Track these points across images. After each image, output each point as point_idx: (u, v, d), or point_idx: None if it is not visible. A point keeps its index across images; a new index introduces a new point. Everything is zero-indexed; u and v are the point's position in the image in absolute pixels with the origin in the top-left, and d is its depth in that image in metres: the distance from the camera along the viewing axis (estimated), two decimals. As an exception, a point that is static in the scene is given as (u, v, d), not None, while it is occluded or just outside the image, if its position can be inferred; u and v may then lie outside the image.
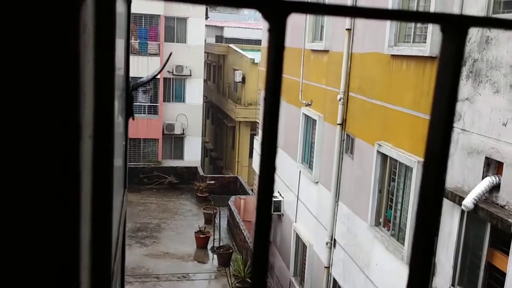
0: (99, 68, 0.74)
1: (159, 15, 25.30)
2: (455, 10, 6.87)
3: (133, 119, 2.02)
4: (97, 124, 0.75)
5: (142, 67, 24.51)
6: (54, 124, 0.52)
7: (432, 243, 0.45)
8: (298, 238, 13.31)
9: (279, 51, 0.37)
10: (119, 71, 1.64)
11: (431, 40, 7.43)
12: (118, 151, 1.56)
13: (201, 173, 24.85)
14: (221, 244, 17.22)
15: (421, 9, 8.09)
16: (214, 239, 17.41)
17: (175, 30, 26.24)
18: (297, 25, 13.46)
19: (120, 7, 1.39)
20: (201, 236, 17.57)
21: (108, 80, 0.83)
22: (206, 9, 27.43)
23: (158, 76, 25.09)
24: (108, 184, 0.87)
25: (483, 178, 6.28)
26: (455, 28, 0.43)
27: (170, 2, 0.35)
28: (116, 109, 1.52)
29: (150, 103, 26.20)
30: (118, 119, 1.57)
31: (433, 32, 7.40)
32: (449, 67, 0.43)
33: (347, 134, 10.54)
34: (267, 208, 0.41)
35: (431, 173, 0.45)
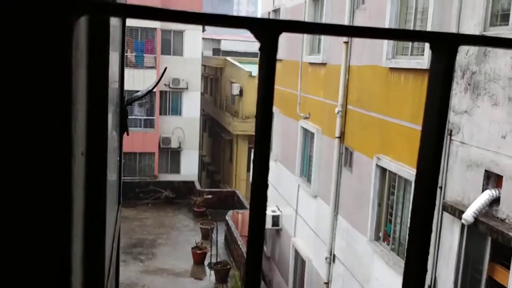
0: (93, 84, 0.75)
1: (156, 28, 25.39)
2: (453, 23, 6.87)
3: (127, 134, 1.97)
4: (90, 141, 0.75)
5: (138, 80, 24.51)
6: (46, 141, 0.52)
7: (425, 257, 0.46)
8: (297, 253, 13.19)
9: (270, 70, 0.36)
10: (114, 85, 1.60)
11: (429, 52, 7.41)
12: (112, 167, 1.52)
13: (198, 187, 24.74)
14: (218, 260, 17.05)
15: (418, 22, 8.10)
16: (211, 255, 17.25)
17: (171, 43, 26.33)
18: (295, 38, 13.49)
19: (114, 20, 1.37)
20: (198, 251, 17.41)
21: (101, 97, 0.84)
22: (203, 23, 27.55)
23: (155, 90, 25.09)
24: (102, 202, 0.88)
25: (483, 191, 6.24)
26: (444, 46, 0.44)
27: (163, 22, 0.31)
28: (110, 124, 1.48)
29: (146, 116, 26.16)
30: (112, 134, 1.52)
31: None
32: (439, 84, 0.44)
33: (345, 147, 10.49)
34: (261, 222, 0.42)
35: (422, 190, 0.46)
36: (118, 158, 1.92)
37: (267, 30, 0.34)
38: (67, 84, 0.51)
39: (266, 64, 0.35)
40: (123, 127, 1.93)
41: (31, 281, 0.55)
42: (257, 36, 0.34)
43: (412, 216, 0.47)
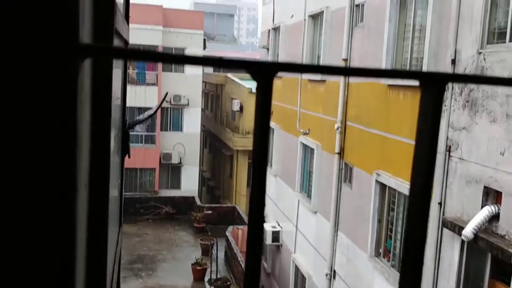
0: (96, 119, 0.78)
1: (157, 46, 25.60)
2: (450, 41, 6.96)
3: (129, 157, 2.00)
4: (93, 174, 0.77)
5: (140, 96, 24.64)
6: (51, 176, 0.53)
7: (420, 271, 0.48)
8: (297, 269, 13.13)
9: (265, 108, 0.39)
10: (116, 111, 1.64)
11: (427, 70, 7.50)
12: (113, 190, 1.55)
13: (198, 203, 24.68)
14: (218, 276, 16.95)
15: (416, 40, 8.20)
16: (211, 271, 17.15)
17: (173, 60, 26.49)
18: (295, 55, 13.62)
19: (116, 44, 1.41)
20: (198, 268, 17.31)
21: (104, 130, 0.86)
22: (204, 39, 27.80)
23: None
24: (103, 230, 0.88)
25: (482, 208, 6.25)
26: (433, 84, 0.46)
27: (164, 63, 0.35)
28: (112, 149, 1.52)
29: (147, 132, 26.23)
30: (114, 158, 1.56)
31: (429, 62, 7.48)
32: (428, 121, 0.46)
33: (345, 163, 10.52)
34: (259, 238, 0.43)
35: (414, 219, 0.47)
36: (120, 181, 1.95)
37: (263, 71, 0.37)
38: (72, 123, 0.53)
39: (261, 103, 0.38)
40: (124, 150, 1.96)
41: None
42: (253, 77, 0.38)
43: (406, 233, 0.49)
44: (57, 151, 0.53)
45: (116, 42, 1.27)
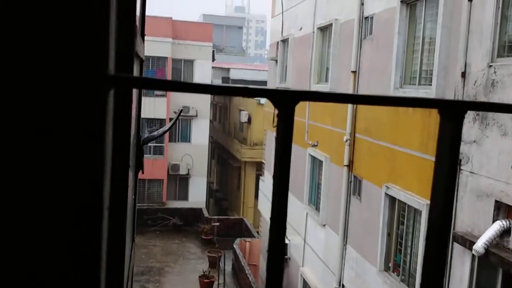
0: (117, 143, 0.78)
1: (166, 57, 25.78)
2: (460, 54, 6.93)
3: (142, 172, 2.00)
4: (113, 196, 0.78)
5: (149, 108, 24.76)
6: (81, 202, 0.55)
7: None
8: (305, 283, 13.01)
9: (287, 136, 0.40)
10: (132, 129, 1.65)
11: (437, 83, 7.47)
12: (128, 206, 1.55)
13: (206, 214, 24.65)
14: (225, 288, 16.84)
15: (426, 53, 8.17)
16: (218, 284, 17.05)
17: (182, 71, 26.69)
18: (303, 66, 13.64)
19: (136, 69, 1.43)
20: (205, 280, 17.23)
21: (124, 154, 0.87)
22: (213, 51, 27.97)
23: (165, 117, 25.31)
24: (121, 254, 0.89)
25: (493, 222, 6.17)
26: (452, 113, 0.46)
27: (187, 92, 0.34)
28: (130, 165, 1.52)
29: (156, 143, 26.32)
30: (130, 174, 1.56)
31: (439, 75, 7.45)
32: (447, 148, 0.46)
33: (354, 176, 10.46)
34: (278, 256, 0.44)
35: (433, 249, 0.47)
36: (133, 197, 1.96)
37: (285, 99, 0.37)
38: (100, 150, 0.55)
39: (283, 131, 0.37)
40: (138, 166, 1.96)
41: None
42: (275, 105, 0.37)
43: (425, 255, 0.48)
44: (87, 177, 0.54)
45: (135, 64, 1.28)
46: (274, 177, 0.39)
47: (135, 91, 1.43)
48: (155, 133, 2.89)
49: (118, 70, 0.80)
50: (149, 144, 26.09)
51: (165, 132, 2.82)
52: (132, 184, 1.84)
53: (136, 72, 1.67)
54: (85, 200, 0.55)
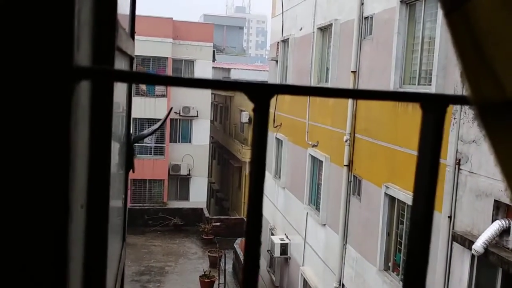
0: (96, 137, 0.77)
1: (167, 58, 25.80)
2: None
3: (133, 171, 2.01)
4: (92, 193, 0.76)
5: (149, 108, 24.79)
6: (42, 198, 0.53)
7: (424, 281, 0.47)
8: (305, 282, 13.03)
9: (263, 129, 0.40)
10: (121, 126, 1.65)
11: (436, 82, 7.48)
12: (116, 206, 1.55)
13: (207, 214, 24.66)
14: (227, 288, 16.87)
15: (425, 52, 8.19)
16: (219, 284, 17.07)
17: (182, 72, 26.70)
18: (303, 67, 13.66)
19: (121, 67, 1.42)
20: (206, 280, 17.24)
21: (104, 147, 0.85)
22: (213, 51, 27.98)
23: (165, 117, 25.26)
24: (102, 253, 0.87)
25: (492, 222, 6.18)
26: (434, 106, 0.46)
27: (158, 85, 0.35)
28: (116, 164, 1.51)
29: (156, 143, 26.35)
30: (118, 173, 1.56)
31: (438, 74, 7.46)
32: (429, 142, 0.46)
33: (354, 176, 10.48)
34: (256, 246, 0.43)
35: (416, 245, 0.47)
36: (124, 196, 1.95)
37: (261, 93, 0.38)
38: (64, 144, 0.53)
39: (258, 124, 0.38)
40: (129, 165, 1.95)
41: None
42: (251, 98, 0.38)
43: (409, 243, 0.48)
44: (49, 172, 0.53)
45: (119, 60, 1.27)
46: (250, 172, 0.40)
47: (120, 87, 1.43)
48: (145, 131, 2.89)
49: (98, 65, 0.80)
50: (150, 145, 26.12)
51: (155, 131, 2.82)
52: (122, 183, 1.84)
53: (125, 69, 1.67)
54: (48, 198, 0.53)
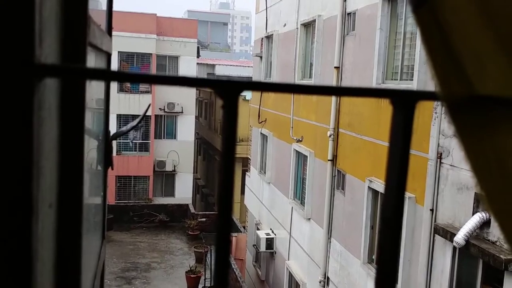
0: (66, 136, 0.75)
1: (151, 54, 25.63)
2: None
3: (112, 168, 2.01)
4: (62, 191, 0.75)
5: (134, 104, 24.62)
6: (4, 199, 0.52)
7: (395, 268, 0.47)
8: (291, 276, 13.12)
9: (232, 125, 0.40)
10: (98, 123, 1.64)
11: (418, 77, 7.57)
12: (94, 203, 1.54)
13: (192, 210, 24.62)
14: (212, 284, 16.89)
15: (407, 48, 8.28)
16: (205, 279, 17.09)
17: (166, 68, 26.54)
18: (287, 62, 13.69)
19: (97, 65, 1.39)
20: (192, 275, 17.25)
21: (76, 145, 0.83)
22: (198, 47, 27.86)
23: (150, 113, 25.20)
24: (75, 252, 0.86)
25: (473, 214, 6.29)
26: (404, 103, 0.46)
27: (125, 82, 0.37)
28: (95, 161, 1.51)
29: (141, 140, 26.19)
30: (97, 170, 1.56)
31: (420, 69, 7.56)
32: (400, 137, 0.46)
33: (338, 170, 10.56)
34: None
35: (387, 239, 0.46)
36: (103, 193, 1.94)
37: (228, 90, 0.39)
38: (26, 142, 0.51)
39: (227, 121, 0.39)
40: (107, 162, 1.94)
41: None
42: (220, 95, 0.39)
43: (381, 229, 0.48)
44: (10, 171, 0.51)
45: (94, 56, 1.27)
46: (219, 167, 0.42)
47: (98, 84, 1.42)
48: (124, 128, 2.90)
49: (68, 62, 0.78)
50: (135, 141, 25.95)
51: (133, 127, 2.81)
52: (101, 180, 1.83)
53: (101, 66, 1.67)
54: (9, 197, 0.52)
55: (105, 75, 0.38)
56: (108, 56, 1.82)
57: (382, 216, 0.48)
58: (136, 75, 0.38)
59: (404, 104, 0.46)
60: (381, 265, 0.47)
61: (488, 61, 0.39)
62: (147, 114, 24.94)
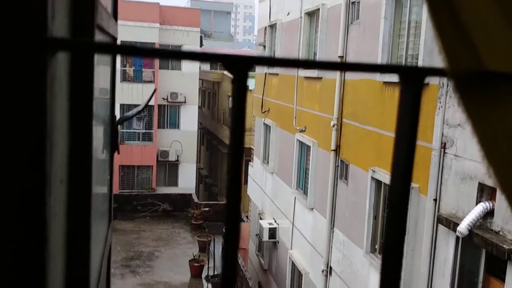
0: (76, 113, 0.76)
1: (154, 43, 25.55)
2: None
3: (118, 153, 2.02)
4: (72, 168, 0.76)
5: (137, 94, 24.61)
6: (19, 171, 0.52)
7: (401, 256, 0.48)
8: (293, 265, 13.17)
9: (241, 101, 0.40)
10: (104, 106, 1.65)
11: (423, 66, 7.52)
12: (100, 186, 1.55)
13: (196, 200, 24.71)
14: (216, 272, 16.99)
15: (411, 37, 8.22)
16: (208, 268, 17.19)
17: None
18: (291, 52, 13.63)
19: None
20: (196, 264, 17.35)
21: (85, 123, 0.84)
22: (201, 37, 27.76)
23: (153, 103, 25.18)
24: (86, 225, 0.87)
25: (477, 204, 6.28)
26: (412, 78, 0.45)
27: (134, 57, 0.36)
28: (101, 144, 1.52)
29: (145, 130, 26.22)
30: (101, 153, 1.56)
31: (424, 58, 7.51)
32: (407, 115, 0.45)
33: (341, 160, 10.55)
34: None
35: (394, 221, 0.46)
36: (109, 177, 1.95)
37: (239, 65, 0.39)
38: (40, 117, 0.51)
39: (237, 95, 0.39)
40: (113, 146, 1.96)
41: None
42: (229, 70, 0.39)
43: (387, 217, 0.48)
44: (24, 144, 0.52)
45: (100, 38, 1.27)
46: (229, 145, 0.42)
47: (104, 69, 1.42)
48: (129, 113, 2.90)
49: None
50: (138, 131, 25.98)
51: (139, 112, 2.82)
52: (107, 164, 1.84)
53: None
54: (24, 168, 0.52)
55: (114, 49, 0.38)
56: (114, 40, 1.82)
57: (390, 192, 0.48)
58: (144, 49, 0.38)
59: (412, 80, 0.46)
60: (387, 248, 0.47)
61: (496, 36, 0.39)
62: (150, 104, 24.93)
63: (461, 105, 0.44)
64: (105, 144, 1.66)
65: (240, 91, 0.40)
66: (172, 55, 0.37)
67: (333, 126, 10.59)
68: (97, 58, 1.01)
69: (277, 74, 14.72)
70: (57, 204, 0.65)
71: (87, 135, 0.88)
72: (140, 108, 2.89)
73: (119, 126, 2.10)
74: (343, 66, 0.45)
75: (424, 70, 0.47)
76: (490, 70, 0.40)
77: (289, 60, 0.43)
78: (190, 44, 26.53)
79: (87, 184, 0.88)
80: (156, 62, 25.72)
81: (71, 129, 0.76)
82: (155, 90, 3.61)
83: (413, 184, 7.70)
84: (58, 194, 0.66)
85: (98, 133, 1.38)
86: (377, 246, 9.11)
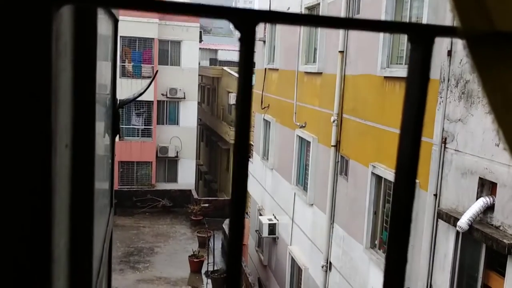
0: (79, 75, 0.74)
1: (153, 38, 25.49)
2: (448, 16, 6.94)
3: (119, 137, 2.01)
4: (76, 135, 0.75)
5: (136, 89, 24.54)
6: (24, 131, 0.52)
7: (405, 252, 0.47)
8: (293, 261, 13.18)
9: (248, 58, 0.39)
10: (106, 89, 1.63)
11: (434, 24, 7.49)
12: (103, 169, 1.54)
13: (195, 196, 24.71)
14: (215, 268, 17.01)
15: (414, 18, 8.18)
16: (208, 263, 17.20)
17: (169, 53, 26.43)
18: (291, 47, 13.59)
19: (105, 29, 1.39)
20: (195, 260, 17.36)
21: (88, 89, 0.83)
22: (200, 32, 27.68)
23: (152, 99, 25.13)
24: (89, 192, 0.87)
25: (477, 199, 6.27)
26: (421, 37, 0.44)
27: (139, 10, 0.34)
28: (103, 126, 1.50)
29: (144, 125, 26.19)
30: (105, 137, 1.55)
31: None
32: (417, 77, 0.44)
33: (341, 156, 10.54)
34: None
35: (401, 184, 0.46)
36: (110, 161, 1.95)
37: (246, 20, 0.37)
38: (45, 73, 0.51)
39: (244, 53, 0.37)
40: (115, 130, 1.95)
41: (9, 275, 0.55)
42: (236, 26, 0.37)
43: (392, 214, 0.47)
44: (30, 104, 0.51)
45: (105, 19, 1.25)
46: (236, 107, 0.39)
47: (104, 60, 1.40)
48: (131, 96, 2.90)
49: (78, 10, 0.77)
50: (137, 127, 25.95)
51: (140, 94, 2.83)
52: (109, 147, 1.83)
53: (109, 31, 1.65)
54: (31, 131, 0.52)
55: (118, 1, 0.36)
56: (116, 22, 1.81)
57: (397, 161, 0.47)
58: (147, 1, 0.36)
59: (422, 39, 0.44)
60: (392, 241, 0.47)
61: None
62: (149, 99, 24.90)
63: (472, 66, 0.42)
64: (107, 128, 1.65)
65: (247, 49, 0.38)
66: (176, 9, 0.35)
67: (333, 121, 10.57)
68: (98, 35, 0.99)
69: (277, 69, 14.69)
70: (62, 167, 0.65)
71: (90, 100, 0.87)
72: (141, 91, 2.88)
73: (119, 110, 2.09)
74: (349, 22, 0.43)
75: (434, 29, 0.46)
76: (503, 31, 0.39)
77: (296, 15, 0.41)
78: (190, 39, 26.46)
79: (91, 149, 0.87)
80: (155, 58, 25.66)
81: (75, 91, 0.75)
82: (156, 72, 3.60)
83: (413, 180, 7.68)
84: (63, 158, 0.65)
85: (101, 115, 1.36)
86: (377, 242, 9.11)
